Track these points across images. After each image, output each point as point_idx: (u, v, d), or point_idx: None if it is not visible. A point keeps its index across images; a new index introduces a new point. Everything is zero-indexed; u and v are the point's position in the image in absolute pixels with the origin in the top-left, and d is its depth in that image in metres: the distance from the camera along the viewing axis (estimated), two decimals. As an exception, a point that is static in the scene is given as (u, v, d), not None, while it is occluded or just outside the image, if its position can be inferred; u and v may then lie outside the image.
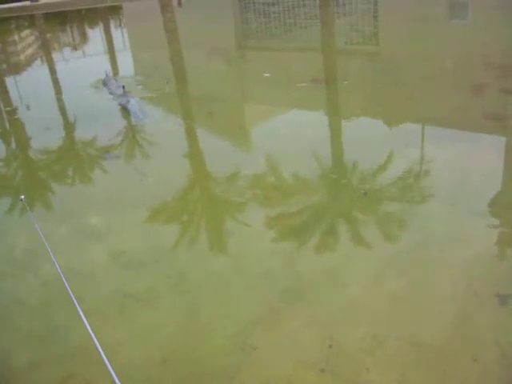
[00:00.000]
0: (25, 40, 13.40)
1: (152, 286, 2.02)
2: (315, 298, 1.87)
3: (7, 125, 4.78)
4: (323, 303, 1.84)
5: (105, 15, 17.26)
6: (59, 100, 5.27)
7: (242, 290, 1.96)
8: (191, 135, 3.90)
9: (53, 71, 7.39)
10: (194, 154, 3.45)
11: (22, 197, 2.58)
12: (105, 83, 5.48)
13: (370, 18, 8.91)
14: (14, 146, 4.25)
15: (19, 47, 11.83)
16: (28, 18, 19.18)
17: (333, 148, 3.33)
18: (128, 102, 4.66)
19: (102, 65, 6.80)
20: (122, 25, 14.08)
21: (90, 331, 1.20)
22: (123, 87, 5.11)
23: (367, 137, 3.32)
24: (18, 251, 2.42)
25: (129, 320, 1.85)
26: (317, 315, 1.78)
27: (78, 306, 1.30)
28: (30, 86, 6.09)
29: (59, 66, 7.76)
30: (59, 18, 17.87)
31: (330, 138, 3.50)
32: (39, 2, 24.10)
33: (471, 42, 5.90)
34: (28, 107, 5.10)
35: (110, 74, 5.79)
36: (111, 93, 5.16)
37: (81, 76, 6.25)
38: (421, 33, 6.58)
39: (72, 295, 1.38)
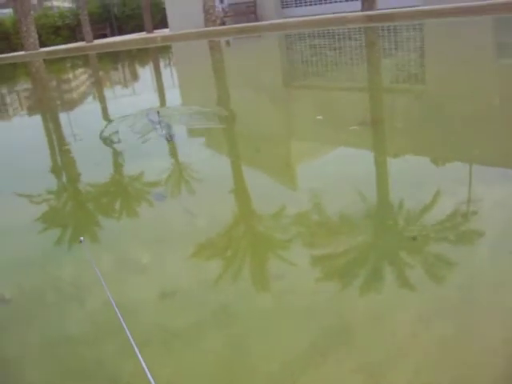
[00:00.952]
0: (78, 78, 13.98)
1: (197, 322, 2.00)
2: (361, 342, 1.81)
3: (59, 160, 4.95)
4: (369, 348, 1.77)
5: (155, 55, 17.86)
6: (107, 134, 5.44)
7: (287, 330, 1.92)
8: (238, 173, 3.93)
9: (104, 107, 7.66)
10: (240, 192, 3.47)
11: (82, 238, 2.62)
12: (147, 114, 5.79)
13: (417, 58, 8.91)
14: (64, 179, 4.38)
15: (73, 85, 12.33)
16: (82, 58, 20.00)
17: (379, 187, 3.29)
18: (160, 123, 5.17)
19: (151, 101, 6.99)
20: (172, 64, 14.52)
21: (146, 369, 1.19)
22: (158, 112, 5.51)
23: (414, 177, 3.26)
24: (65, 284, 2.45)
25: (173, 358, 1.83)
26: (363, 360, 1.72)
27: (133, 341, 1.29)
28: (81, 121, 6.30)
29: (110, 103, 8.04)
30: (111, 58, 18.58)
31: (377, 177, 3.46)
32: (93, 43, 25.21)
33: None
34: (79, 140, 5.27)
35: (156, 109, 5.97)
36: (150, 120, 5.45)
37: (129, 111, 6.42)
38: (468, 72, 6.51)
39: (127, 330, 1.37)
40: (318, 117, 4.95)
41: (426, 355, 1.71)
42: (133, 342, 1.33)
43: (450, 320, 1.87)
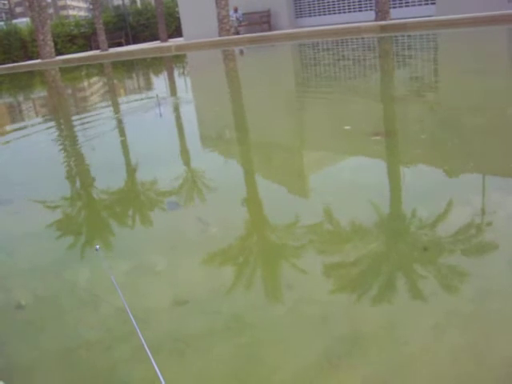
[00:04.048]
0: (93, 86, 14.11)
1: (208, 330, 2.01)
2: (374, 352, 1.80)
3: (74, 167, 5.00)
4: (382, 359, 1.76)
5: (169, 63, 17.99)
6: (122, 141, 5.53)
7: (298, 340, 1.92)
8: (250, 181, 3.94)
9: (117, 114, 7.73)
10: (252, 201, 3.48)
11: (97, 246, 2.65)
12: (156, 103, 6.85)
13: (432, 68, 8.90)
14: (78, 186, 4.42)
15: (87, 93, 12.45)
16: (98, 66, 20.19)
17: (392, 198, 3.28)
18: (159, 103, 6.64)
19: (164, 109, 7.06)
20: (186, 72, 14.61)
21: (159, 374, 1.20)
22: (157, 96, 6.89)
23: (427, 187, 3.25)
24: (79, 290, 2.47)
25: (184, 365, 1.84)
26: (376, 372, 1.71)
27: (146, 347, 1.30)
28: (95, 129, 6.36)
29: (123, 109, 8.11)
30: (126, 66, 18.74)
31: (390, 188, 3.45)
32: (109, 52, 25.47)
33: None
34: (93, 149, 5.33)
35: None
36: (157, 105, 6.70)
37: (143, 119, 6.50)
38: (483, 84, 6.48)
39: (141, 337, 1.38)
40: (347, 127, 4.91)
41: (439, 366, 1.70)
42: (147, 348, 1.34)
43: (464, 331, 1.87)
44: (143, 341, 1.39)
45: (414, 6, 19.97)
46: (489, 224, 2.69)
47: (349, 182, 3.59)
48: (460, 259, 2.38)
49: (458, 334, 1.85)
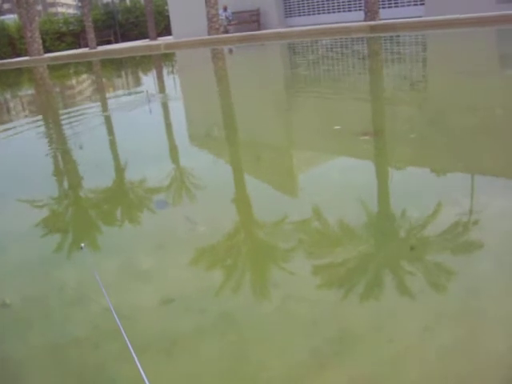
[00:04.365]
0: (82, 84, 14.04)
1: (196, 329, 2.00)
2: (362, 351, 1.80)
3: (61, 164, 4.97)
4: (370, 358, 1.77)
5: (158, 61, 17.93)
6: (110, 139, 5.50)
7: (286, 340, 1.92)
8: (239, 180, 3.93)
9: (106, 111, 7.71)
10: (241, 200, 3.47)
11: (82, 245, 2.65)
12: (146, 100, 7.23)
13: (419, 68, 8.94)
14: (65, 184, 4.39)
15: (76, 91, 12.38)
16: (86, 64, 20.08)
17: (380, 197, 3.29)
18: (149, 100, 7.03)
19: (154, 108, 7.04)
20: (175, 71, 14.56)
21: (143, 374, 1.19)
22: (146, 91, 7.45)
23: (415, 187, 3.27)
24: (65, 290, 2.45)
25: (172, 365, 1.83)
26: (364, 371, 1.71)
27: (131, 348, 1.29)
28: (83, 126, 6.33)
29: (112, 107, 8.09)
30: (115, 64, 18.66)
31: (378, 188, 3.46)
32: (97, 49, 25.36)
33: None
34: (81, 147, 5.30)
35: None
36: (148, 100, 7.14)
37: (132, 116, 6.48)
38: (470, 84, 6.53)
39: (126, 338, 1.37)
40: (336, 127, 4.91)
41: (428, 364, 1.70)
42: (131, 349, 1.33)
43: (451, 328, 1.88)
44: (126, 339, 1.38)
45: (403, 6, 20.05)
46: (475, 222, 2.71)
47: (337, 181, 3.59)
48: (446, 257, 2.39)
49: (445, 332, 1.86)
